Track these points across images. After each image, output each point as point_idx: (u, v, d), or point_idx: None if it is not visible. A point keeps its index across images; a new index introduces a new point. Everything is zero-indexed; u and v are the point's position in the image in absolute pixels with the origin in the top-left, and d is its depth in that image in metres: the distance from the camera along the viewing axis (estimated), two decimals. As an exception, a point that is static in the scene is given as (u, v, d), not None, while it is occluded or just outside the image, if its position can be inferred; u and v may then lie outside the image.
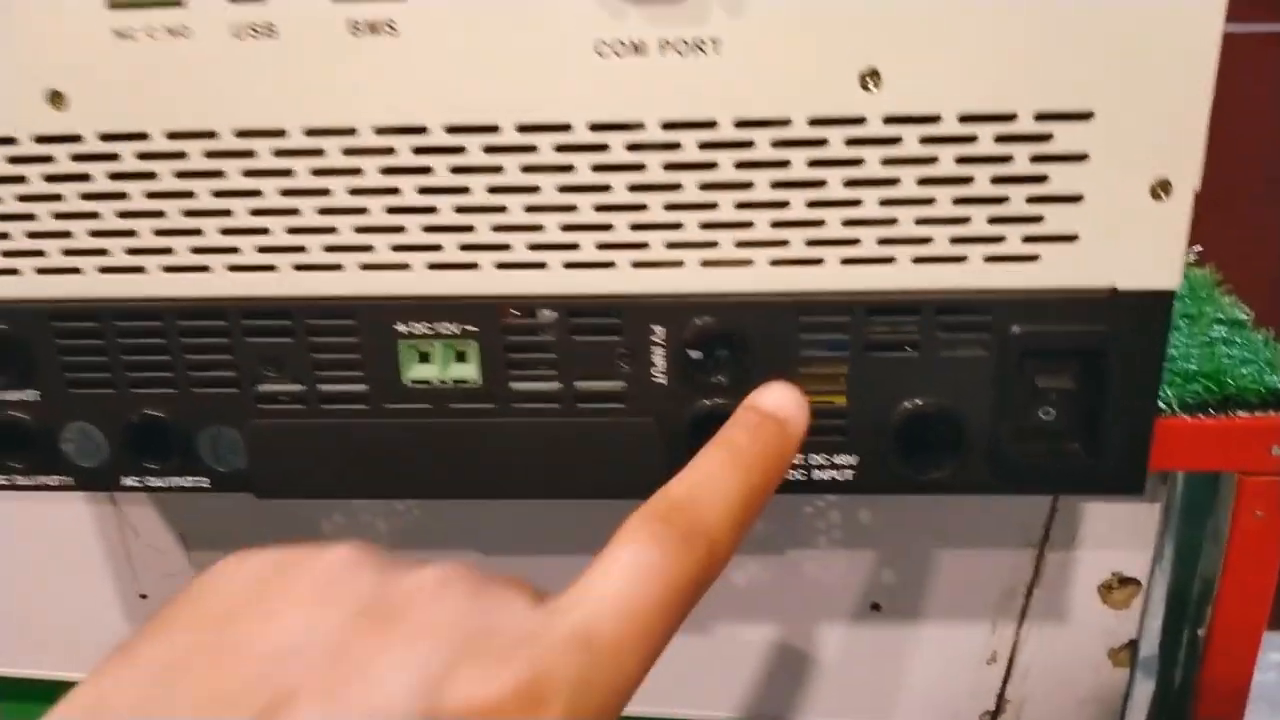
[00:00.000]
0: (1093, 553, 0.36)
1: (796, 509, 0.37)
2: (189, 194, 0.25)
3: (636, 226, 0.25)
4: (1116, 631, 0.38)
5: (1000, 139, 0.23)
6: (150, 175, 0.25)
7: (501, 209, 0.25)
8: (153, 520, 0.40)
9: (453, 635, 0.17)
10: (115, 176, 0.25)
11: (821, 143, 0.24)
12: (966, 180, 0.24)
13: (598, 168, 0.24)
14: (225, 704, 0.15)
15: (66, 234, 0.26)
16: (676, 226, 0.25)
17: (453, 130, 0.24)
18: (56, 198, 0.26)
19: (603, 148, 0.24)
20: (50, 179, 0.25)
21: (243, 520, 0.38)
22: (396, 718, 0.15)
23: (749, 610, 0.39)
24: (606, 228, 0.25)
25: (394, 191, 0.25)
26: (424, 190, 0.25)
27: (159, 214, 0.26)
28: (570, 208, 0.25)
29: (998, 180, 0.24)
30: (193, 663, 0.16)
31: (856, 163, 0.24)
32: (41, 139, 0.25)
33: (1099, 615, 0.37)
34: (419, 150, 0.24)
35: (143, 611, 0.42)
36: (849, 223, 0.24)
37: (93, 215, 0.26)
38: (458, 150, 0.24)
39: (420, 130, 0.24)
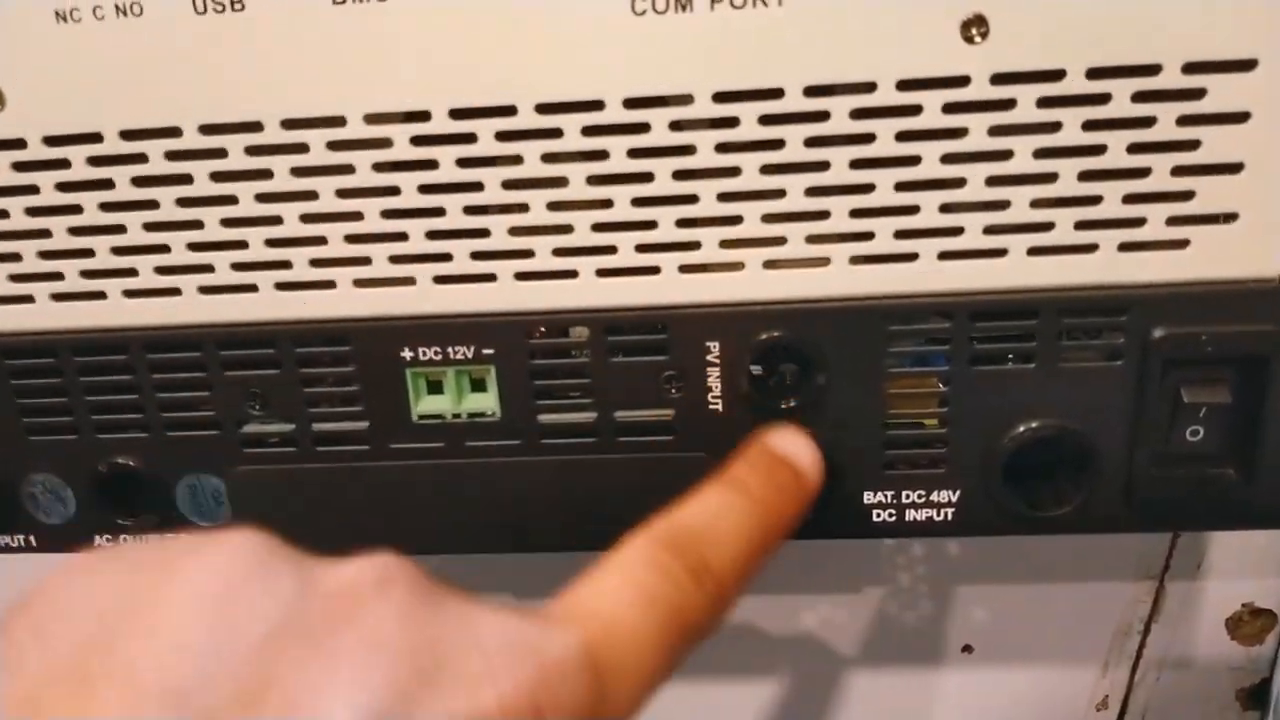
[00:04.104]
0: (1220, 582, 0.32)
1: (873, 540, 0.32)
2: (151, 204, 0.21)
3: (685, 223, 0.21)
4: (1247, 670, 0.34)
5: (1140, 97, 0.19)
6: (105, 184, 0.21)
7: (522, 208, 0.21)
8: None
9: (410, 650, 0.13)
10: (64, 187, 0.21)
11: (914, 110, 0.19)
12: (1097, 150, 0.19)
13: (636, 152, 0.20)
14: None
15: (14, 256, 0.22)
16: (734, 221, 0.20)
17: (459, 115, 0.20)
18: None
19: (642, 128, 0.20)
20: (-10, 193, 0.22)
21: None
22: None
23: (821, 655, 0.34)
24: (649, 225, 0.21)
25: (392, 191, 0.21)
26: (427, 189, 0.21)
27: (117, 229, 0.22)
28: (604, 203, 0.21)
29: (1136, 149, 0.19)
30: (58, 709, 0.12)
31: (958, 133, 0.19)
32: (-24, 146, 0.21)
33: (1227, 652, 0.33)
34: (419, 140, 0.20)
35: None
36: (948, 208, 0.20)
37: (41, 234, 0.22)
38: (466, 139, 0.20)
39: (421, 116, 0.20)
